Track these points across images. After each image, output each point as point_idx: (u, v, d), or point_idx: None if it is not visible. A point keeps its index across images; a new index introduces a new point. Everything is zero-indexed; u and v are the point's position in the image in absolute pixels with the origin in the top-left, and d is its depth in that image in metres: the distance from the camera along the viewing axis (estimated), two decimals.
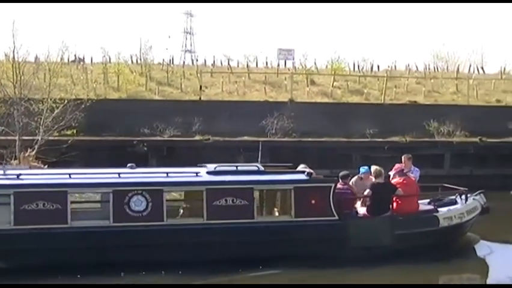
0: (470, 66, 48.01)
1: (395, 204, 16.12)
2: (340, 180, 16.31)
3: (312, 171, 16.15)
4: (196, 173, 15.72)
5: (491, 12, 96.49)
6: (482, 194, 18.36)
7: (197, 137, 28.47)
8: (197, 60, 47.90)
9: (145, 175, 15.68)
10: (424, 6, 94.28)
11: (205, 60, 44.15)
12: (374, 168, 16.82)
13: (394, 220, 15.95)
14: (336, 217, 15.54)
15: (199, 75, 35.28)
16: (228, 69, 39.21)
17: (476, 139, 30.18)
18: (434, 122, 30.64)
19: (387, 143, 28.79)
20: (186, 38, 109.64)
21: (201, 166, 16.54)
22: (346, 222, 15.65)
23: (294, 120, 29.60)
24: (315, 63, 42.25)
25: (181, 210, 16.15)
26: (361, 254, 15.20)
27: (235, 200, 15.11)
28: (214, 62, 43.06)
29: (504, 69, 45.10)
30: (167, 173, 15.50)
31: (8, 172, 15.02)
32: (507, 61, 49.58)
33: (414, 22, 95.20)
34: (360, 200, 16.64)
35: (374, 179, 16.54)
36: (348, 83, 36.79)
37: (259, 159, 18.17)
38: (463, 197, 17.63)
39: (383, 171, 16.68)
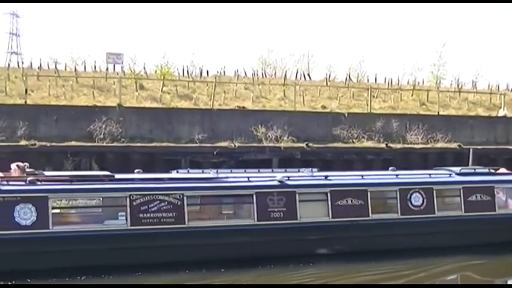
0: (297, 72, 49.18)
1: None
2: None
3: None
4: (449, 175, 20.15)
5: (317, 19, 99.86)
6: None
7: (22, 142, 27.43)
8: (23, 62, 46.21)
9: (420, 176, 19.89)
10: (251, 13, 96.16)
11: (31, 63, 42.73)
12: None
13: None
14: None
15: (24, 78, 34.07)
16: (55, 72, 38.18)
17: (303, 144, 30.95)
18: (262, 127, 31.21)
19: (216, 148, 29.02)
20: (12, 39, 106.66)
21: (437, 169, 21.51)
22: None
23: (122, 125, 29.37)
24: (144, 68, 41.93)
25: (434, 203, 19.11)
26: None
27: (482, 196, 19.26)
28: (40, 64, 41.68)
29: (329, 76, 46.53)
30: (429, 174, 19.99)
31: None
32: (331, 68, 50.54)
33: (242, 28, 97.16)
34: None
35: None
36: (177, 88, 36.80)
37: (470, 163, 22.17)
38: None
39: None
